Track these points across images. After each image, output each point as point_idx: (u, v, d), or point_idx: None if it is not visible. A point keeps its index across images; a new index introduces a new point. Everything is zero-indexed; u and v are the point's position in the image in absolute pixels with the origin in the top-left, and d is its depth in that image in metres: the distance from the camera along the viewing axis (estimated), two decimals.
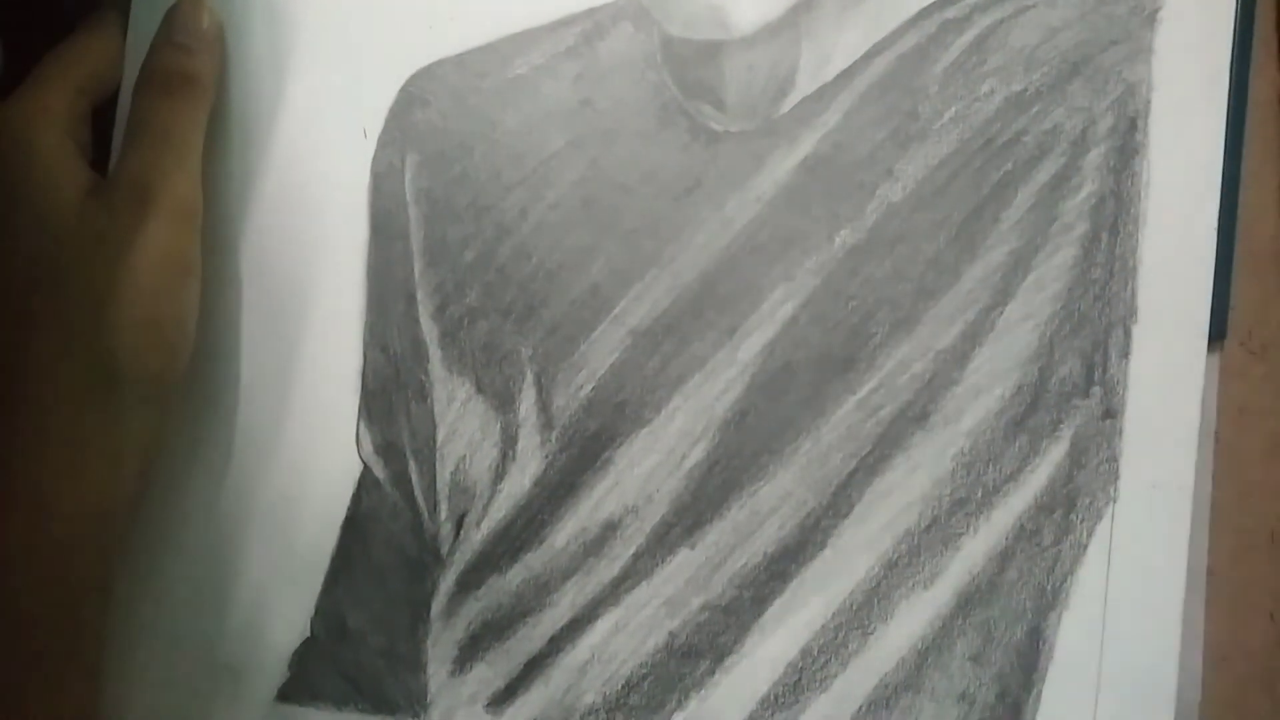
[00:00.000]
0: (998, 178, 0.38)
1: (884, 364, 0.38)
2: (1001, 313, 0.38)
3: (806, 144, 0.38)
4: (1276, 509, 0.38)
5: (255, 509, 0.39)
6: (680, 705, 0.38)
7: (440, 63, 0.40)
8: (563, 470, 0.39)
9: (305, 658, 0.39)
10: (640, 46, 0.39)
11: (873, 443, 0.38)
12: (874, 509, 0.38)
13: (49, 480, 0.35)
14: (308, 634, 0.39)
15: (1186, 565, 0.37)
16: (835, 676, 0.37)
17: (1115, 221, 0.37)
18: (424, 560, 0.39)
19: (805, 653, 0.37)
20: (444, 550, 0.39)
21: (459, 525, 0.39)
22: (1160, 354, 0.37)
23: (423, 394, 0.39)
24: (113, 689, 0.39)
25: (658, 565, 0.38)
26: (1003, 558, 0.37)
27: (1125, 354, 0.37)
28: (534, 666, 0.38)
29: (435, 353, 0.39)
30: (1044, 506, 0.37)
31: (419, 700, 0.39)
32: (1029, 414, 0.37)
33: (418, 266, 0.40)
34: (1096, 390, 0.37)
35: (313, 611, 0.39)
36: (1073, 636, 0.37)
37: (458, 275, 0.39)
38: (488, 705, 0.38)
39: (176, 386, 0.37)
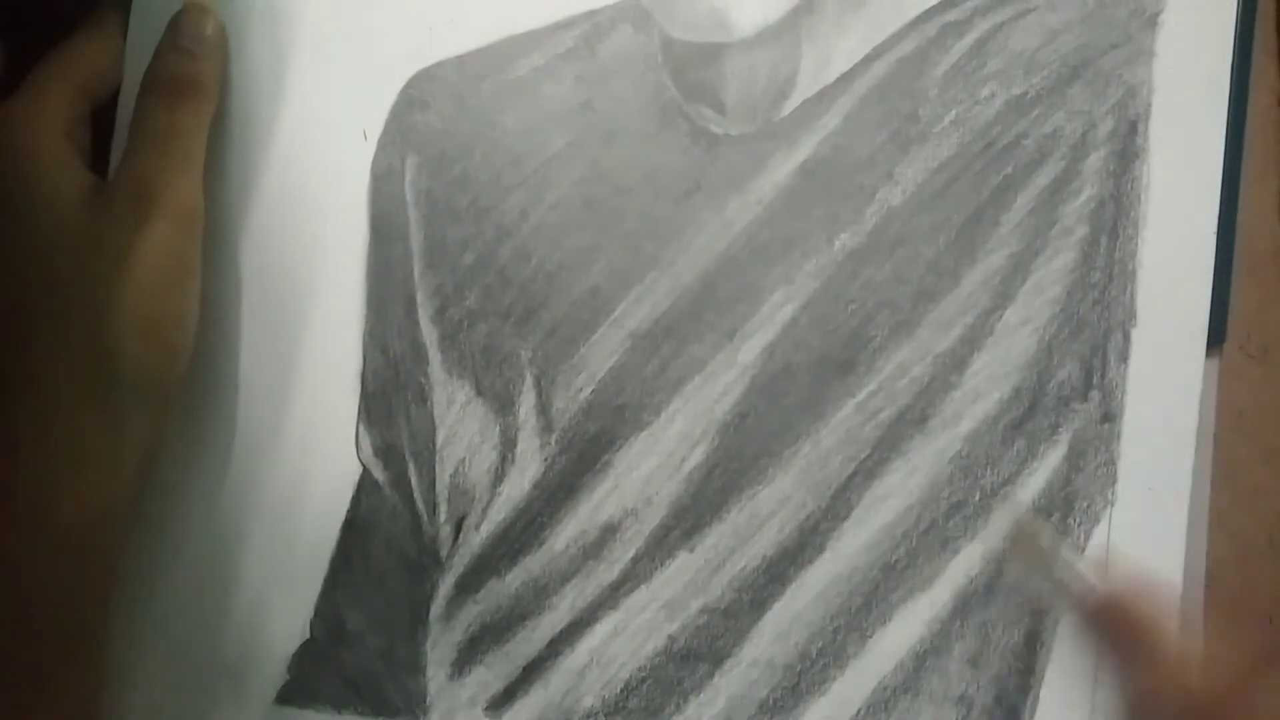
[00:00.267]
0: (998, 181, 0.38)
1: (883, 367, 0.38)
2: (1001, 316, 0.38)
3: (807, 147, 0.38)
4: (1275, 512, 0.38)
5: (255, 511, 0.39)
6: (679, 709, 0.38)
7: (440, 64, 0.39)
8: (562, 473, 0.39)
9: (304, 660, 0.39)
10: (641, 48, 0.39)
11: (871, 446, 0.38)
12: (873, 512, 0.38)
13: (50, 479, 0.35)
14: (307, 636, 0.39)
15: (1184, 569, 0.37)
16: (833, 680, 0.37)
17: (1115, 225, 0.37)
18: (423, 563, 0.39)
19: (804, 656, 0.37)
20: (443, 553, 0.39)
21: (458, 528, 0.39)
22: (1159, 358, 0.37)
23: (422, 396, 0.39)
24: (113, 691, 0.39)
25: (657, 568, 0.38)
26: (1001, 561, 0.37)
27: (1124, 358, 0.37)
28: (533, 669, 0.38)
29: (435, 355, 0.39)
30: (1042, 510, 0.37)
31: (418, 703, 0.39)
32: (1027, 417, 0.37)
33: (417, 268, 0.39)
34: (1095, 394, 0.37)
35: (312, 614, 0.39)
36: (1070, 639, 0.37)
37: (458, 277, 0.39)
38: (486, 708, 0.39)
39: (176, 387, 0.37)
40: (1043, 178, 0.38)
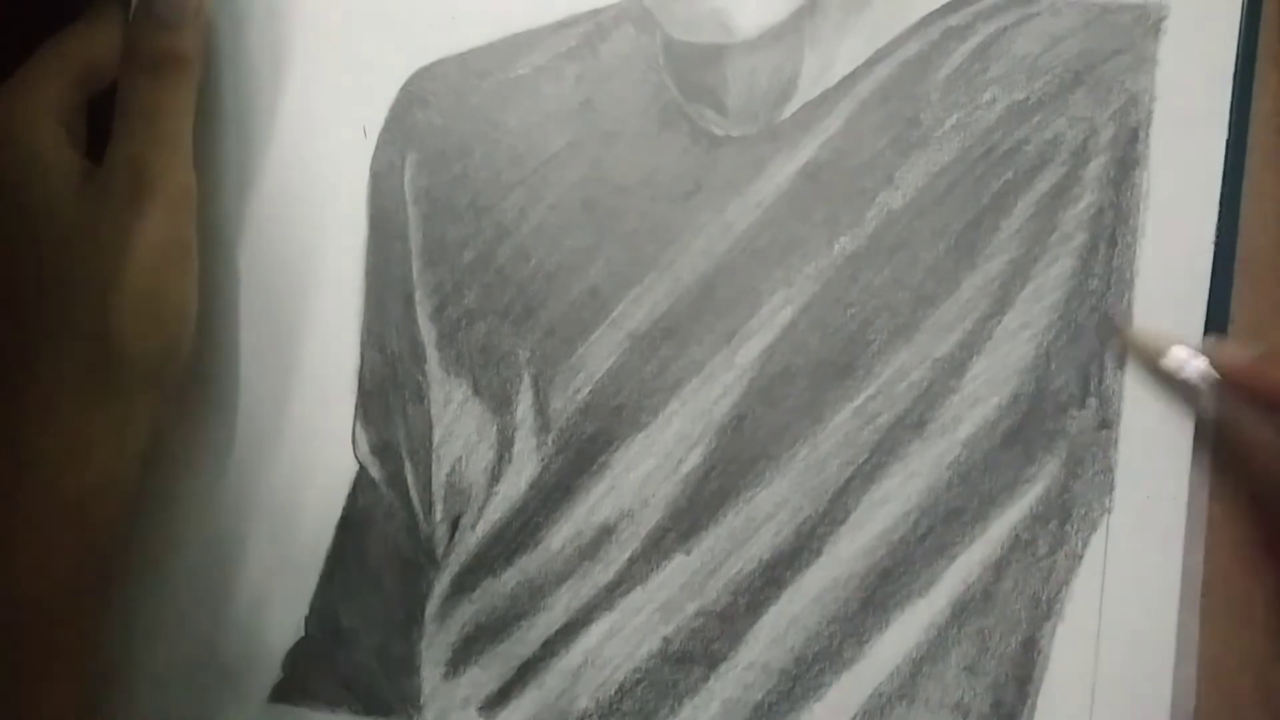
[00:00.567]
0: (998, 186, 0.38)
1: (882, 371, 0.38)
2: (999, 322, 0.38)
3: (807, 150, 0.38)
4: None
5: (252, 508, 0.39)
6: (673, 712, 0.38)
7: (441, 62, 0.39)
8: (559, 473, 0.39)
9: (299, 658, 0.39)
10: (642, 49, 0.39)
11: (870, 450, 0.38)
12: (870, 517, 0.38)
13: (55, 456, 0.35)
14: (302, 634, 0.39)
15: (1181, 576, 0.37)
16: (829, 685, 0.37)
17: (1114, 232, 0.37)
18: (419, 561, 0.39)
19: (799, 660, 0.37)
20: (439, 552, 0.39)
21: (454, 527, 0.39)
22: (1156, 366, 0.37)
23: (420, 395, 0.39)
24: (108, 687, 0.39)
25: (653, 570, 0.38)
26: (998, 567, 0.37)
27: (1122, 365, 0.37)
28: (527, 670, 0.38)
29: (433, 354, 0.39)
30: (1039, 516, 0.37)
31: (412, 702, 0.39)
32: (1025, 424, 0.37)
33: (416, 266, 0.39)
34: (1092, 401, 0.37)
35: (307, 611, 0.39)
36: (1067, 647, 0.37)
37: (456, 276, 0.39)
38: (481, 708, 0.38)
39: (178, 368, 0.37)
40: (1043, 183, 0.38)
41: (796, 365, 0.38)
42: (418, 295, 0.39)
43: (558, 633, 0.38)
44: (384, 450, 0.39)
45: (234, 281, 0.39)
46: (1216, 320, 0.37)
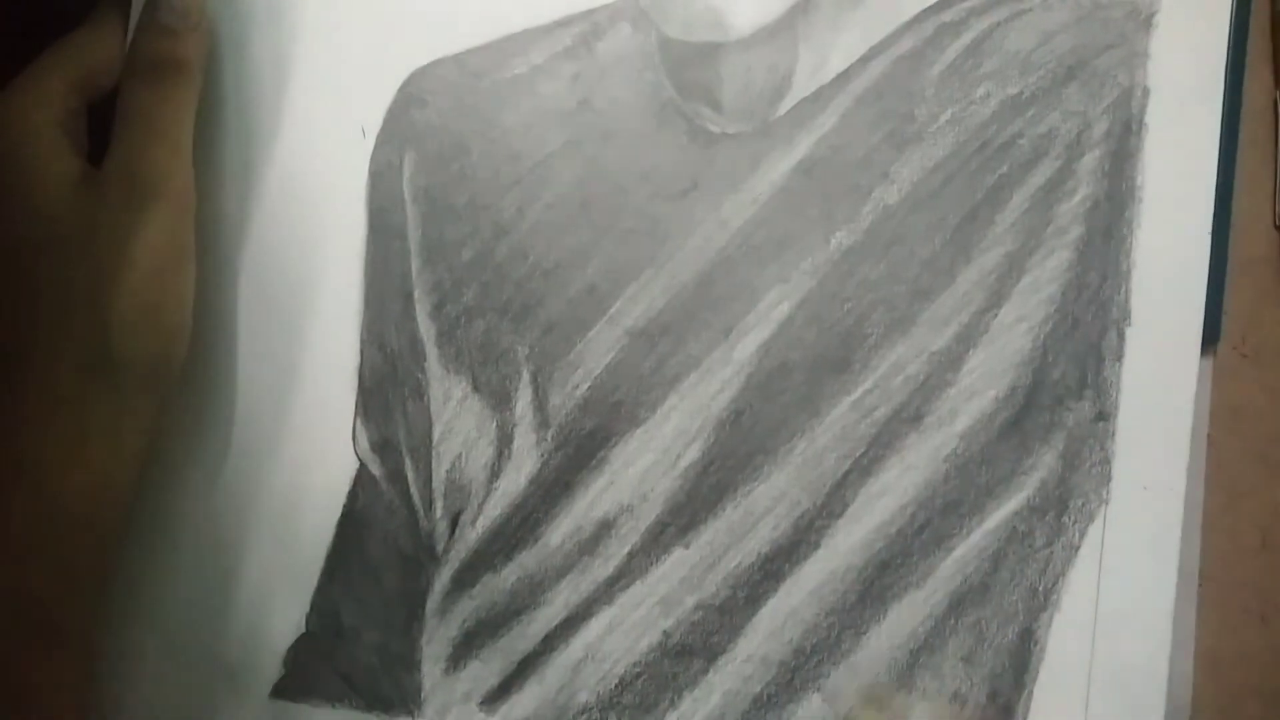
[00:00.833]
0: (993, 181, 0.38)
1: (879, 365, 0.38)
2: (996, 315, 0.38)
3: (803, 146, 0.39)
4: (1268, 512, 0.38)
5: (252, 505, 0.39)
6: (673, 704, 0.38)
7: (439, 62, 0.40)
8: (558, 469, 0.39)
9: (300, 654, 0.39)
10: (638, 47, 0.39)
11: (867, 443, 0.38)
12: (868, 509, 0.38)
13: (51, 458, 0.35)
14: (303, 630, 0.39)
15: (1178, 568, 0.37)
16: (828, 676, 0.37)
17: (1109, 225, 0.38)
18: (419, 558, 0.39)
19: (798, 652, 0.38)
20: (439, 548, 0.39)
21: (454, 523, 0.39)
22: (1153, 357, 0.37)
23: (419, 392, 0.40)
24: (109, 684, 0.39)
25: (652, 564, 0.38)
26: (995, 559, 0.37)
27: (1118, 357, 0.37)
28: (528, 665, 0.38)
29: (432, 351, 0.40)
30: (1036, 508, 0.37)
31: (413, 698, 0.39)
32: (1022, 416, 0.37)
33: (415, 265, 0.40)
34: (1089, 393, 0.37)
35: (308, 608, 0.39)
36: (1064, 638, 0.37)
37: (455, 274, 0.40)
38: (482, 703, 0.39)
39: (175, 371, 0.37)
40: (1038, 177, 0.38)
41: (793, 360, 0.38)
42: (417, 293, 0.40)
43: (558, 627, 0.38)
44: (384, 447, 0.39)
45: (234, 281, 0.40)
46: (1211, 310, 0.37)
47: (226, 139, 0.40)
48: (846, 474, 0.38)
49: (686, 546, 0.38)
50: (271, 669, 0.39)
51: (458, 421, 0.39)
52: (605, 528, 0.39)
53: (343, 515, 0.39)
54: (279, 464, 0.39)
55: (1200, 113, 0.38)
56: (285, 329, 0.39)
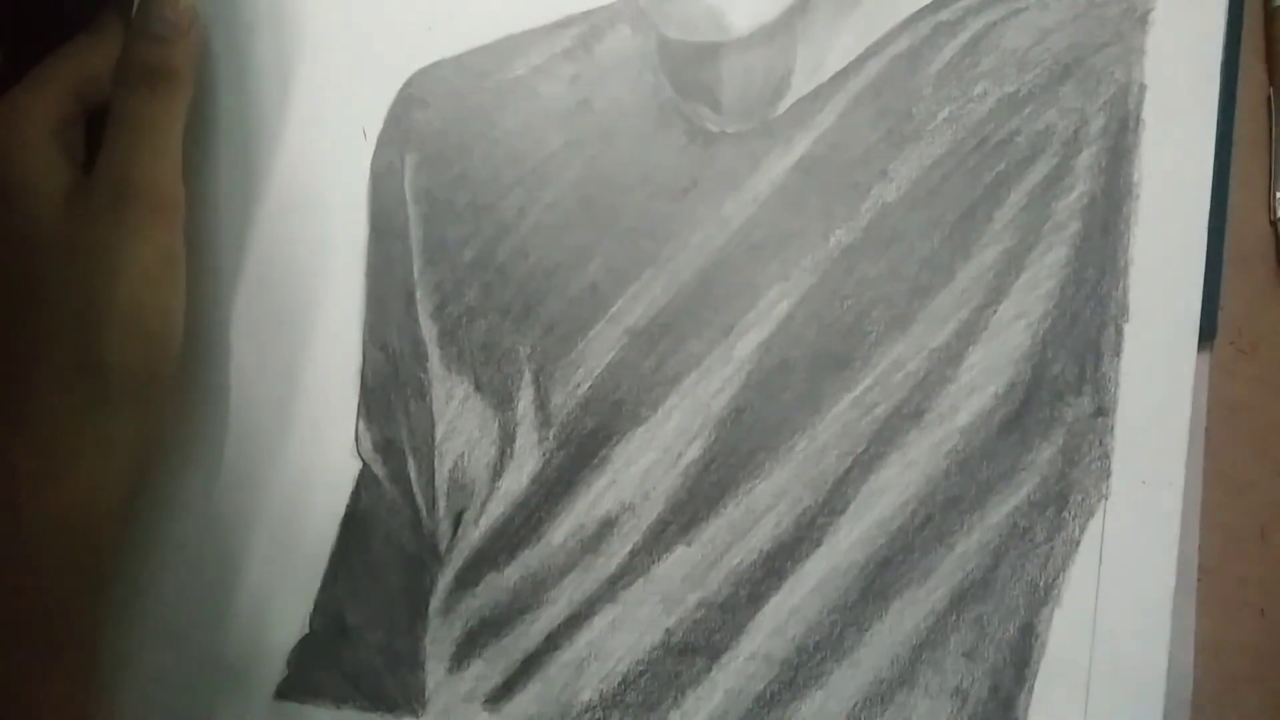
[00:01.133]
0: (991, 178, 0.38)
1: (879, 362, 0.38)
2: (995, 311, 0.38)
3: (802, 145, 0.39)
4: (1266, 506, 0.39)
5: (255, 506, 0.39)
6: (676, 703, 0.38)
7: (439, 64, 0.40)
8: (560, 468, 0.39)
9: (303, 655, 0.39)
10: (637, 48, 0.40)
11: (868, 440, 0.38)
12: (869, 506, 0.38)
13: (39, 469, 0.35)
14: (306, 631, 0.39)
15: (1177, 562, 0.37)
16: (830, 673, 0.38)
17: (1107, 221, 0.38)
18: (422, 557, 0.39)
19: (801, 650, 0.38)
20: (442, 547, 0.39)
21: (457, 523, 0.39)
22: (1151, 352, 0.38)
23: (421, 392, 0.40)
24: (111, 686, 0.39)
25: (654, 562, 0.38)
26: (996, 555, 0.37)
27: (1117, 352, 0.38)
28: (531, 664, 0.39)
29: (434, 351, 0.40)
30: (1037, 503, 0.37)
31: (417, 698, 0.39)
32: (1022, 412, 0.38)
33: (417, 265, 0.40)
34: (1088, 388, 0.38)
35: (311, 608, 0.39)
36: (1065, 632, 0.37)
37: (457, 274, 0.40)
38: (485, 702, 0.39)
39: (166, 381, 0.37)
40: (1035, 174, 0.38)
41: (794, 357, 0.38)
42: (419, 294, 0.40)
43: (561, 626, 0.39)
44: (387, 447, 0.40)
45: (235, 282, 0.40)
46: (1208, 306, 0.38)
47: (227, 142, 0.40)
48: (848, 471, 0.38)
49: (689, 544, 0.38)
50: (275, 669, 0.39)
51: (460, 421, 0.39)
52: (607, 526, 0.39)
53: (346, 515, 0.39)
54: (282, 465, 0.39)
55: (1196, 109, 0.38)
56: (287, 330, 0.40)
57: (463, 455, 0.39)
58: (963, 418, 0.38)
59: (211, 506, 0.39)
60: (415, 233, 0.40)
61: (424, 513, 0.40)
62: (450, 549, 0.39)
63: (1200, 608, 0.38)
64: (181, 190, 0.37)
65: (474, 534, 0.39)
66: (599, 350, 0.39)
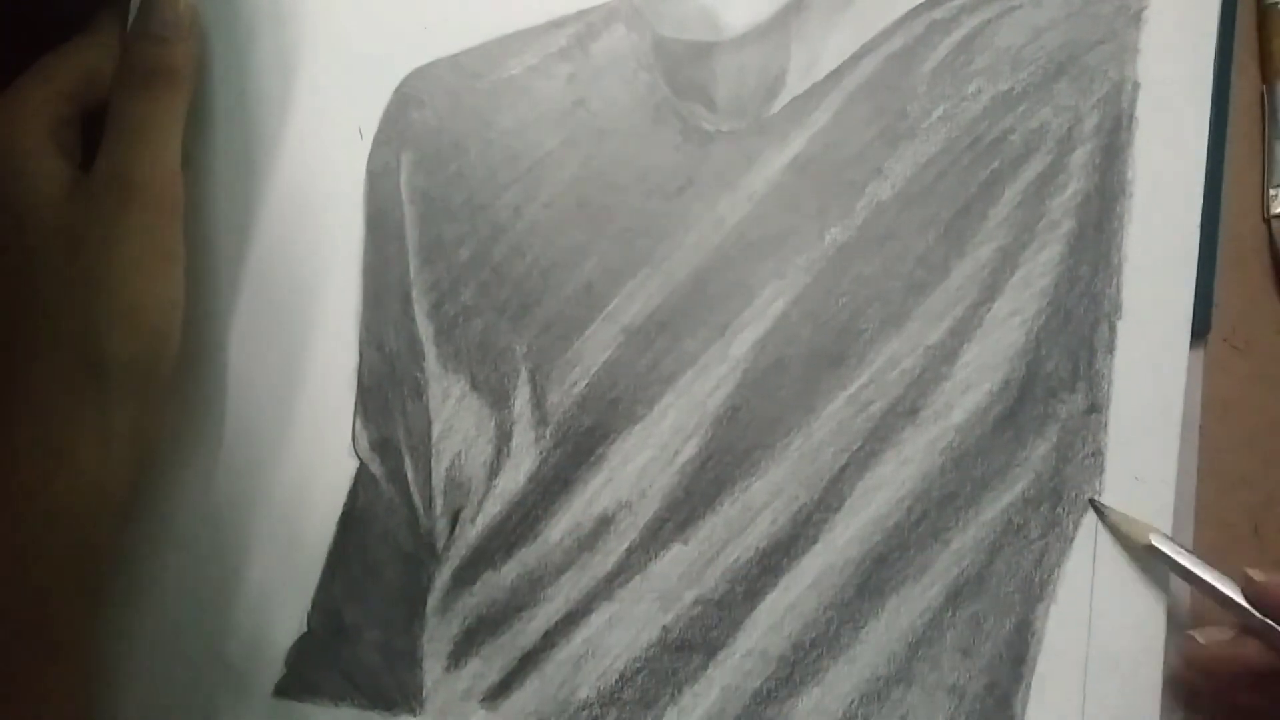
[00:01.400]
0: (985, 176, 0.38)
1: (874, 360, 0.38)
2: (989, 309, 0.38)
3: (797, 143, 0.39)
4: (1259, 502, 0.39)
5: (252, 505, 0.39)
6: (673, 699, 0.38)
7: (435, 63, 0.40)
8: (557, 466, 0.39)
9: (301, 653, 0.39)
10: (632, 47, 0.40)
11: (863, 438, 0.38)
12: (865, 503, 0.38)
13: (37, 463, 0.35)
14: (304, 630, 0.39)
15: None
16: (827, 670, 0.38)
17: (1100, 218, 0.38)
18: (420, 556, 0.40)
19: (797, 646, 0.38)
20: (439, 546, 0.40)
21: (454, 521, 0.40)
22: (1145, 349, 0.38)
23: (418, 391, 0.40)
24: (109, 685, 0.39)
25: (651, 560, 0.39)
26: (991, 551, 0.38)
27: (1110, 349, 0.38)
28: (529, 661, 0.39)
29: (430, 350, 0.40)
30: (1031, 500, 0.38)
31: (415, 695, 0.39)
32: (1016, 409, 0.38)
33: (413, 265, 0.40)
34: (1082, 385, 0.38)
35: (309, 607, 0.39)
36: (1060, 628, 0.37)
37: (453, 273, 0.40)
38: (483, 700, 0.39)
39: (165, 377, 0.37)
40: (1029, 172, 0.38)
41: (789, 355, 0.39)
42: (415, 293, 0.40)
43: (558, 623, 0.39)
44: (384, 446, 0.40)
45: (231, 281, 0.40)
46: (1201, 303, 0.38)
47: (225, 141, 0.40)
48: (843, 468, 0.38)
49: (685, 542, 0.38)
50: (273, 668, 0.39)
51: (457, 420, 0.40)
52: (604, 524, 0.39)
53: (343, 514, 0.39)
54: (279, 464, 0.39)
55: (1189, 107, 0.38)
56: (284, 329, 0.40)
57: (459, 454, 0.39)
58: (958, 415, 0.38)
59: (209, 505, 0.39)
60: (411, 232, 0.40)
61: (421, 511, 0.40)
62: (447, 547, 0.39)
63: (1193, 602, 0.38)
64: (181, 188, 0.37)
65: (471, 532, 0.39)
66: (595, 349, 0.39)
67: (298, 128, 0.40)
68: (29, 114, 0.37)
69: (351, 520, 0.39)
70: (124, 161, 0.36)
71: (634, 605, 0.38)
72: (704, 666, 0.38)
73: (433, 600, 0.39)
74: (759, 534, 0.38)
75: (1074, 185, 0.38)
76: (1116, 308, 0.38)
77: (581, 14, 0.40)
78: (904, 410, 0.38)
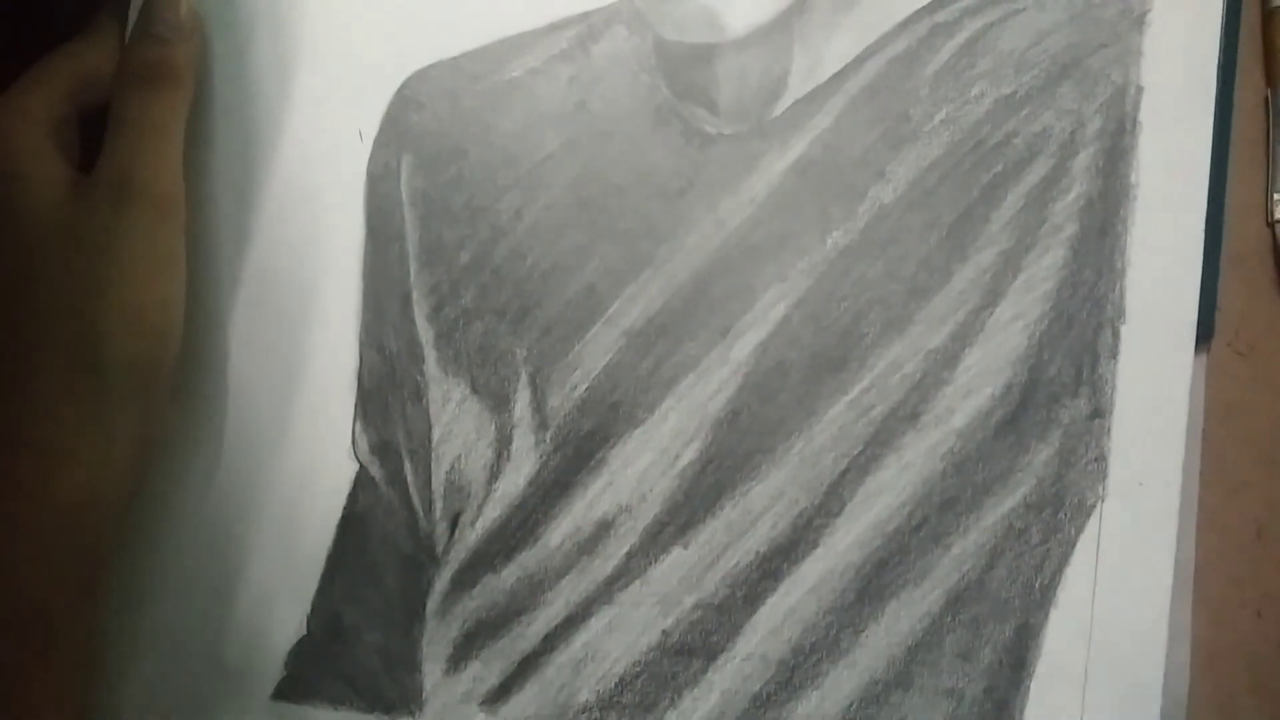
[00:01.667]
0: (988, 179, 0.38)
1: (875, 364, 0.38)
2: (991, 313, 0.38)
3: (798, 146, 0.39)
4: (1263, 507, 0.39)
5: (252, 508, 0.39)
6: (673, 703, 0.38)
7: (436, 65, 0.40)
8: (557, 470, 0.39)
9: (301, 656, 0.39)
10: (634, 49, 0.40)
11: (864, 442, 0.38)
12: (865, 508, 0.38)
13: (38, 465, 0.35)
14: (304, 633, 0.39)
15: (1174, 563, 0.37)
16: (826, 674, 0.38)
17: (1104, 223, 0.38)
18: (419, 559, 0.40)
19: (797, 651, 0.38)
20: (439, 549, 0.40)
21: (454, 524, 0.39)
22: (1148, 354, 0.38)
23: (418, 394, 0.40)
24: (108, 687, 0.39)
25: (651, 564, 0.38)
26: (992, 556, 0.37)
27: (1113, 354, 0.38)
28: (528, 665, 0.39)
29: (431, 353, 0.40)
30: (1033, 505, 0.37)
31: (414, 699, 0.39)
32: (1018, 413, 0.38)
33: (413, 267, 0.40)
34: (1085, 390, 0.38)
35: (309, 610, 0.39)
36: (1061, 634, 0.37)
37: (453, 276, 0.40)
38: (482, 703, 0.39)
39: (165, 379, 0.37)
40: (1032, 176, 0.38)
41: (790, 359, 0.38)
42: (415, 296, 0.40)
43: (558, 627, 0.39)
44: (384, 449, 0.40)
45: (233, 284, 0.40)
46: (1205, 307, 0.38)
47: (224, 143, 0.40)
48: (844, 473, 0.38)
49: (685, 546, 0.38)
50: (273, 671, 0.39)
51: (457, 423, 0.40)
52: (604, 528, 0.39)
53: (343, 517, 0.39)
54: (279, 467, 0.39)
55: (1193, 110, 0.38)
56: (284, 332, 0.40)
57: (459, 457, 0.39)
58: (959, 420, 0.38)
59: (209, 508, 0.39)
60: (412, 235, 0.40)
61: (421, 515, 0.40)
62: (447, 551, 0.39)
63: (1196, 609, 0.38)
64: (182, 190, 0.37)
65: (471, 536, 0.39)
66: (596, 352, 0.39)
67: (298, 130, 0.40)
68: (28, 115, 0.37)
69: (351, 523, 0.39)
70: (124, 163, 0.36)
71: (634, 609, 0.38)
72: (703, 670, 0.38)
73: (432, 603, 0.39)
74: (759, 538, 0.38)
75: (1077, 189, 0.38)
76: (1120, 312, 0.38)
77: (583, 16, 0.40)
78: (905, 415, 0.38)
